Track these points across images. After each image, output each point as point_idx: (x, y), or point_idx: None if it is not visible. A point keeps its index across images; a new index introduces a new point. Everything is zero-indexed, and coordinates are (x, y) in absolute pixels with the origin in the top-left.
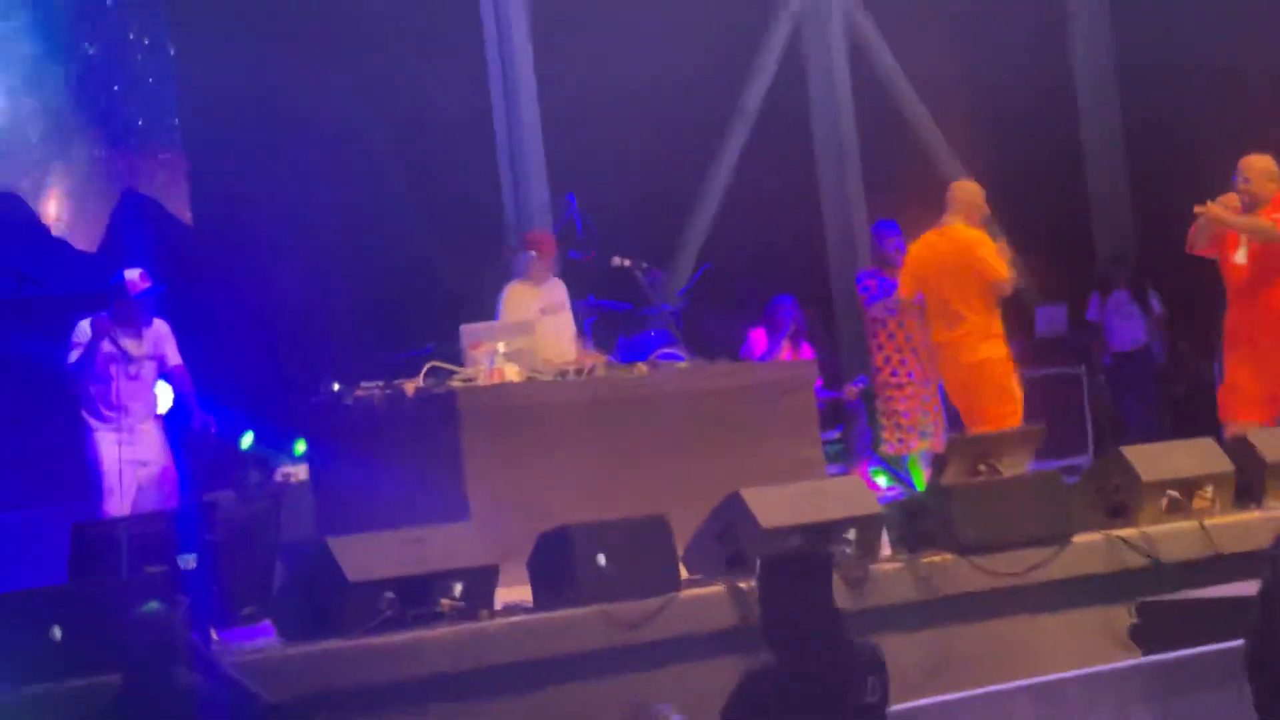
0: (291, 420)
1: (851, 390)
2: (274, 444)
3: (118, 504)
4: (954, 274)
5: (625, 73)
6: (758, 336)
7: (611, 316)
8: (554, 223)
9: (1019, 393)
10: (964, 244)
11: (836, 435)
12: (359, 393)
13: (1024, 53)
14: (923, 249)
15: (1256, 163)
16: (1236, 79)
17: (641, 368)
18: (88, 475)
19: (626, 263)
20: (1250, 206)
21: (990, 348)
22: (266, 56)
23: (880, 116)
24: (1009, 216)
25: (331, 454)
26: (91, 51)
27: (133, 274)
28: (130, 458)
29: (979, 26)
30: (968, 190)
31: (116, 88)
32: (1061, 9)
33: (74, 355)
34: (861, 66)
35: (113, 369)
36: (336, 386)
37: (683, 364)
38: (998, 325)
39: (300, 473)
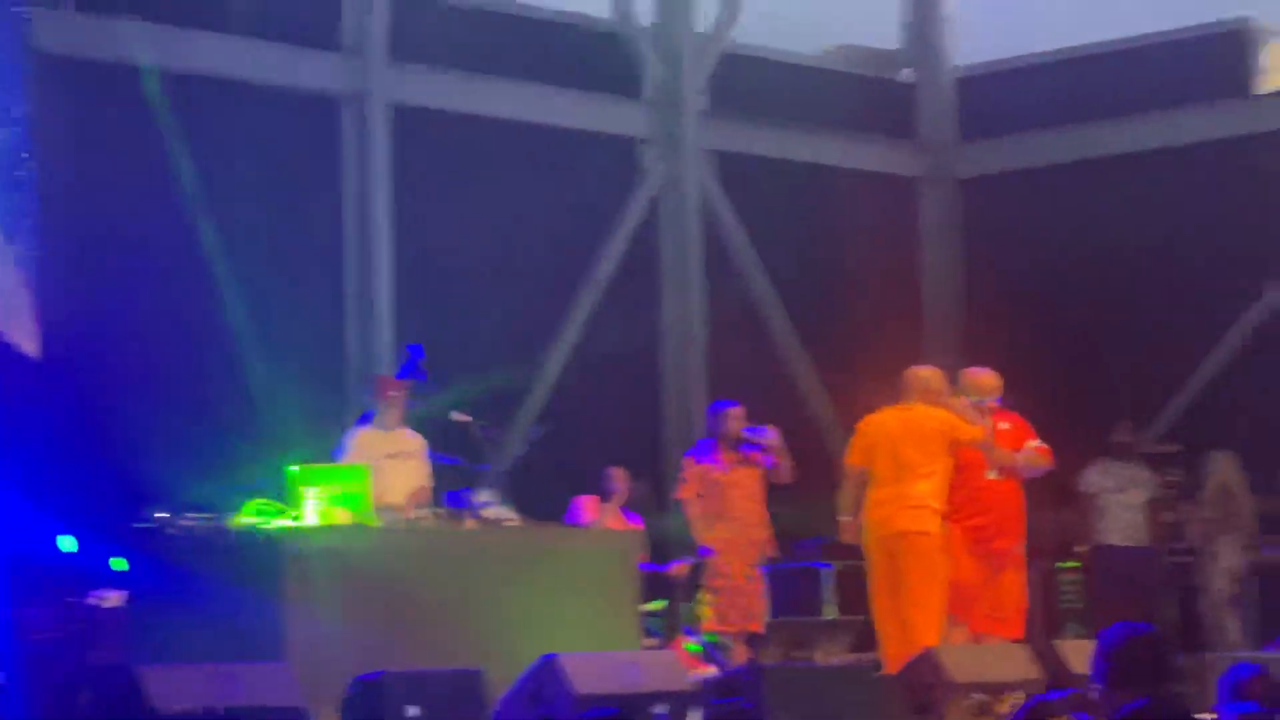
0: (114, 538)
1: (678, 567)
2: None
3: None
4: (913, 444)
5: (481, 227)
6: (588, 504)
7: (444, 470)
8: (397, 371)
9: (946, 570)
10: (933, 418)
11: (658, 608)
12: (184, 523)
13: (873, 242)
14: (884, 420)
15: (980, 378)
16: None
17: (470, 523)
18: None
19: (465, 418)
20: (977, 420)
21: (927, 520)
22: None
23: (728, 294)
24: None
25: (151, 581)
26: None
27: None
28: None
29: (830, 215)
30: (924, 376)
31: None
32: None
33: None
34: (714, 242)
35: None
36: (161, 514)
37: (511, 523)
38: (941, 501)
39: (115, 598)
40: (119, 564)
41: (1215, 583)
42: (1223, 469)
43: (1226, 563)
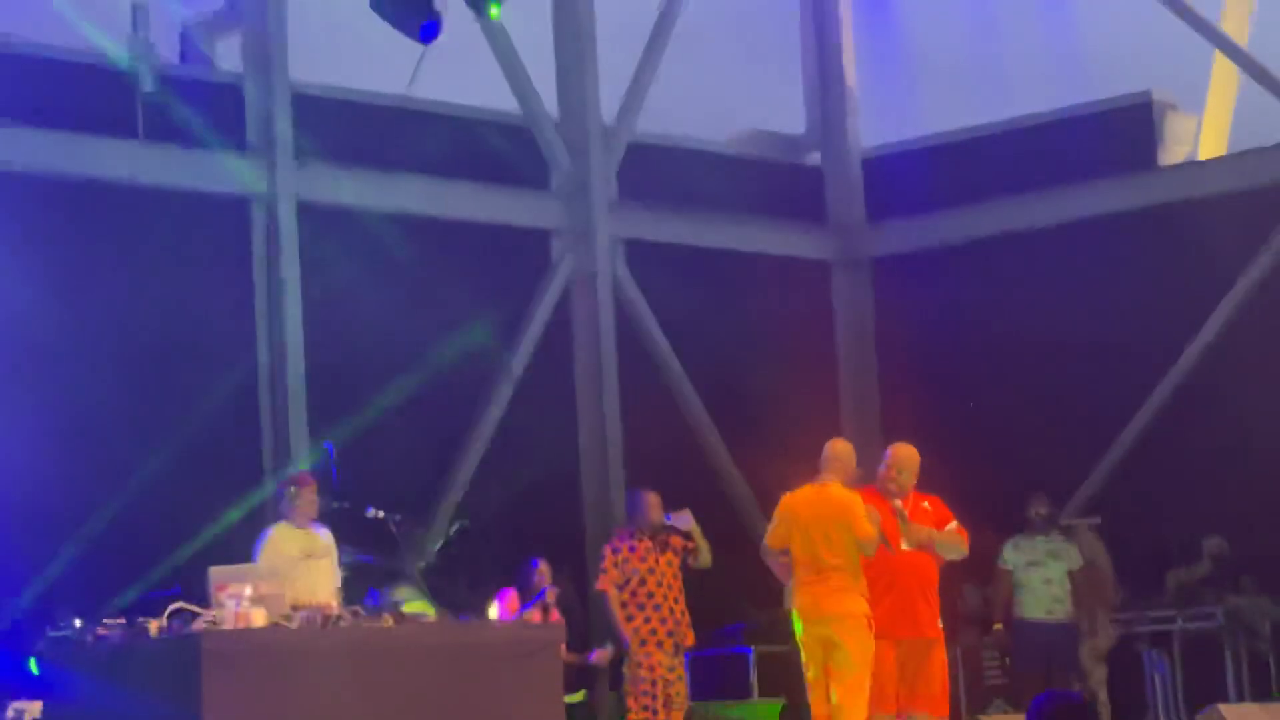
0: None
1: (600, 655)
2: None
3: None
4: (828, 528)
5: (393, 322)
6: (509, 597)
7: (361, 568)
8: (312, 470)
9: (873, 649)
10: (839, 501)
11: (581, 699)
12: (101, 630)
13: (787, 325)
14: (798, 502)
15: (904, 453)
16: None
17: (388, 619)
18: None
19: (380, 515)
20: (897, 495)
21: (854, 602)
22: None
23: (644, 382)
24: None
25: (68, 689)
26: None
27: None
28: None
29: (742, 299)
30: (841, 450)
31: None
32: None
33: None
34: (628, 331)
35: None
36: (78, 623)
37: (430, 618)
38: (864, 582)
39: (34, 709)
40: (33, 668)
41: (1084, 659)
42: (1087, 543)
43: (1091, 638)
